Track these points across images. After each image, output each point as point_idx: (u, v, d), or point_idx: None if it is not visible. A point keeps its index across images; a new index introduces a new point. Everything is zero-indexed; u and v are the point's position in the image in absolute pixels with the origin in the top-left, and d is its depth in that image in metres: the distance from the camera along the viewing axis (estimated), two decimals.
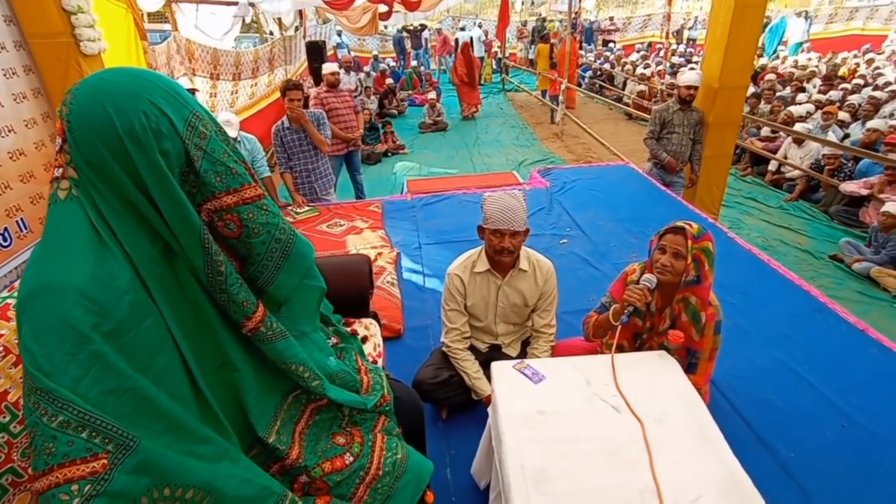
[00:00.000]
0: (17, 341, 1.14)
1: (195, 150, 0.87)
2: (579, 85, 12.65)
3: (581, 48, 15.47)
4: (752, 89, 7.91)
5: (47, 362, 0.72)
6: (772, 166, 6.30)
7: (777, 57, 12.87)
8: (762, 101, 7.87)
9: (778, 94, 8.26)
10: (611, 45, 16.49)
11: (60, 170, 0.82)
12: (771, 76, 9.28)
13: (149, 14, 5.79)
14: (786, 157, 6.06)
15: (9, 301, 1.20)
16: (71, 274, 0.76)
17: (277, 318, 1.03)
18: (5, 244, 3.17)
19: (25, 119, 3.46)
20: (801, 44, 13.10)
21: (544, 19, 15.52)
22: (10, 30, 3.35)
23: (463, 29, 14.51)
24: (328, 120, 4.30)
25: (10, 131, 3.29)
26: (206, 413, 0.93)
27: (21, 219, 3.33)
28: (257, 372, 1.03)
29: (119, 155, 0.81)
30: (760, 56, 12.30)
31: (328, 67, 4.99)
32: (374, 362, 1.56)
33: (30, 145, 3.48)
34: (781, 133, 6.46)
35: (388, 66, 12.99)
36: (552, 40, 11.00)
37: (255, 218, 0.94)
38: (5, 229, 3.19)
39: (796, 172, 5.85)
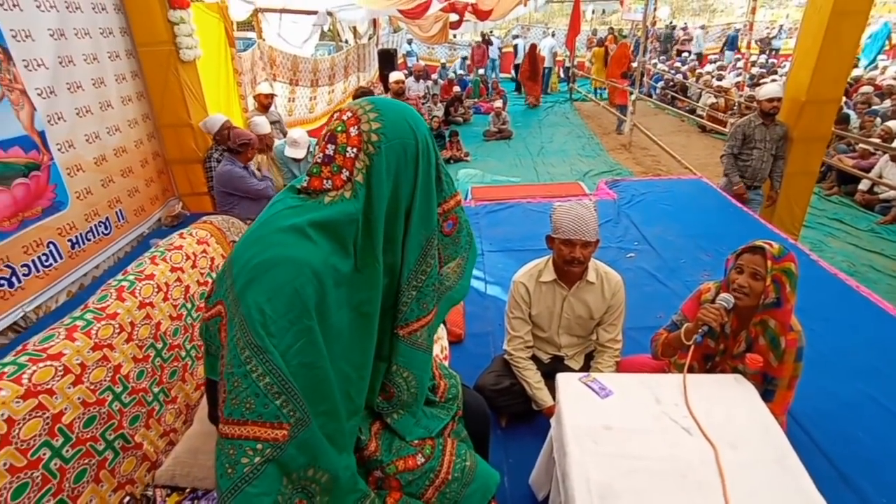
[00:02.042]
0: (154, 312, 1.26)
1: (440, 165, 1.04)
2: (650, 95, 12.28)
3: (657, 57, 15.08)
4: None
5: (273, 324, 0.82)
6: (863, 186, 5.82)
7: (875, 67, 11.90)
8: (854, 115, 7.32)
9: (873, 107, 7.64)
10: (685, 55, 15.88)
11: (346, 172, 0.92)
12: (867, 88, 8.59)
13: (237, 23, 6.20)
14: (880, 177, 5.59)
15: (123, 284, 1.34)
16: (312, 254, 0.87)
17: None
18: (107, 232, 3.50)
19: (129, 119, 3.82)
20: None
21: (612, 29, 15.24)
22: (124, 40, 3.71)
23: (517, 37, 15.21)
24: None
25: (116, 130, 3.64)
26: (350, 404, 1.01)
27: (120, 210, 3.67)
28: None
29: (412, 165, 0.96)
30: (855, 66, 11.43)
31: (394, 76, 5.13)
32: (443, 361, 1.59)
33: (130, 143, 3.83)
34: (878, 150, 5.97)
35: (456, 73, 13.13)
36: (607, 45, 11.53)
37: (462, 217, 1.14)
38: (107, 219, 3.52)
39: (892, 193, 5.39)
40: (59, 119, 3.05)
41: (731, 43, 16.02)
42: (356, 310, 0.96)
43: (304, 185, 0.94)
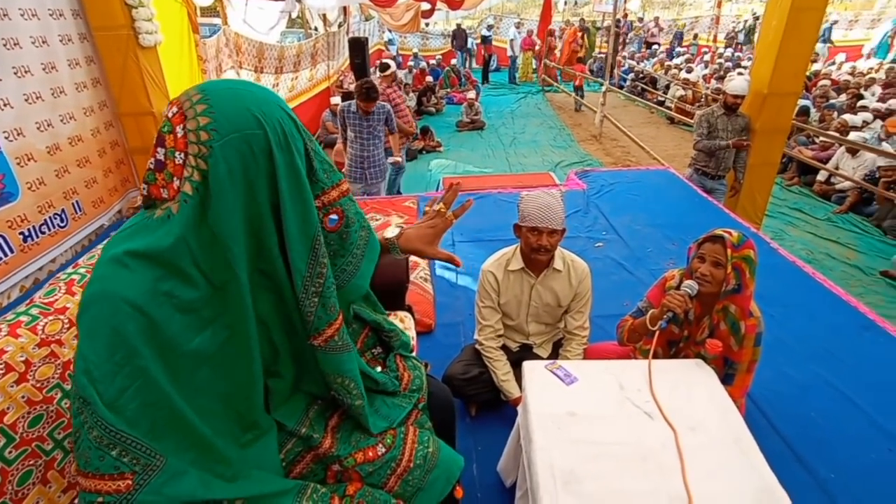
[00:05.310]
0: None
1: (311, 151, 0.90)
2: (620, 87, 12.43)
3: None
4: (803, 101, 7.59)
5: (97, 370, 0.74)
6: (821, 176, 6.05)
7: (834, 63, 12.30)
8: (813, 109, 7.56)
9: (831, 101, 7.92)
10: (654, 47, 16.12)
11: (178, 181, 0.80)
12: (824, 83, 8.90)
13: (201, 8, 5.97)
14: (837, 168, 5.80)
15: (74, 277, 1.27)
16: (129, 286, 0.76)
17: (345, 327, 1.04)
18: (62, 225, 3.36)
19: (84, 107, 3.65)
20: None
21: (583, 21, 15.37)
22: (77, 23, 3.53)
23: (490, 28, 15.26)
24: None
25: (70, 118, 3.48)
26: (241, 420, 0.95)
27: (76, 201, 3.52)
28: (295, 379, 1.06)
29: (264, 159, 0.81)
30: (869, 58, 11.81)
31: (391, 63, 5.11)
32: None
33: (87, 132, 3.67)
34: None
35: (429, 64, 13.04)
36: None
37: (351, 209, 0.98)
38: (62, 210, 3.37)
39: (847, 184, 5.60)
40: (4, 105, 2.89)
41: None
42: (230, 328, 0.88)
43: (144, 193, 0.83)
